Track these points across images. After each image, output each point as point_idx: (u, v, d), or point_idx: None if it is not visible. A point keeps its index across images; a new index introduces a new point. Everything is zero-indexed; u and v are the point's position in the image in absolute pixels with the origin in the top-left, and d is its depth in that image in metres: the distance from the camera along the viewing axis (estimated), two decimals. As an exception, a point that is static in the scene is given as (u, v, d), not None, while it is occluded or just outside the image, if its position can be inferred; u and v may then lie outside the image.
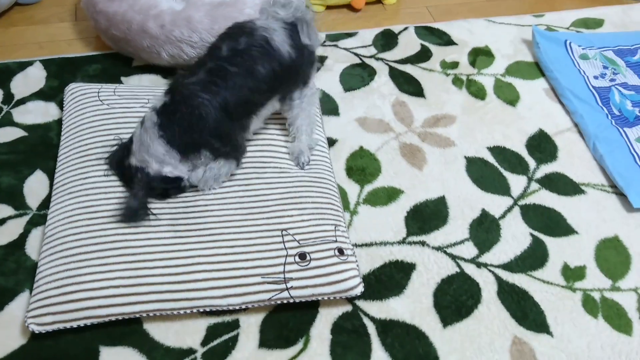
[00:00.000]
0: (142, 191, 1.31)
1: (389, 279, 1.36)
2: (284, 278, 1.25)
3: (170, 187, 1.36)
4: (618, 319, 1.32)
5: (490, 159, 1.64)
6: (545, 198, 1.55)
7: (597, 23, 2.13)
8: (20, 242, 1.38)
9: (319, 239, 1.32)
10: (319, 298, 1.27)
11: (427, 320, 1.30)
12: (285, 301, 1.25)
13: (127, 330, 1.24)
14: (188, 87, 1.28)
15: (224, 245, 1.30)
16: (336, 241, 1.32)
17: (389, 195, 1.53)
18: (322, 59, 1.89)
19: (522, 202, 1.54)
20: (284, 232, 1.33)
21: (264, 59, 1.32)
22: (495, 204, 1.53)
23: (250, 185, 1.43)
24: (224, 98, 1.27)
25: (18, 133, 1.61)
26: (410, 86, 1.83)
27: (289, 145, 1.51)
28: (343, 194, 1.51)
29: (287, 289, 1.24)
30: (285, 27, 1.36)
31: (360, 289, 1.27)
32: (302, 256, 1.29)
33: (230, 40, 1.33)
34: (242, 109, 1.33)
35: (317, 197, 1.41)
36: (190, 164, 1.34)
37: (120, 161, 1.37)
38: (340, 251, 1.31)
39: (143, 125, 1.31)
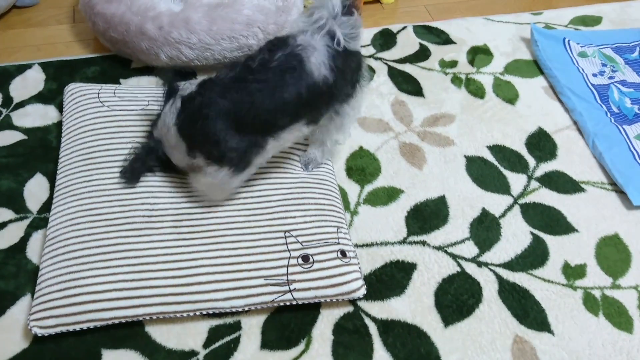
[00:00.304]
0: (149, 154, 1.33)
1: (390, 279, 1.36)
2: (287, 280, 1.25)
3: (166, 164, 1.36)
4: (619, 317, 1.33)
5: (490, 157, 1.64)
6: (545, 196, 1.55)
7: (596, 20, 2.13)
8: (21, 245, 1.38)
9: (321, 241, 1.32)
10: (322, 300, 1.27)
11: (428, 320, 1.30)
12: (288, 303, 1.26)
13: (129, 332, 1.24)
14: (210, 86, 1.26)
15: (227, 248, 1.30)
16: (339, 243, 1.32)
17: (389, 195, 1.53)
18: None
19: (522, 201, 1.54)
20: (287, 234, 1.33)
21: (292, 81, 1.22)
22: (496, 202, 1.53)
23: (253, 186, 1.43)
24: (234, 110, 1.22)
25: (17, 136, 1.61)
26: (409, 85, 1.83)
27: (305, 151, 1.48)
28: (343, 194, 1.51)
29: (290, 290, 1.24)
30: (328, 46, 1.24)
31: (363, 291, 1.28)
32: (305, 258, 1.29)
33: (265, 53, 1.25)
34: (253, 127, 1.25)
35: (320, 199, 1.41)
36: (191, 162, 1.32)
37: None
38: (343, 253, 1.31)
39: (173, 104, 1.28)
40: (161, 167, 1.40)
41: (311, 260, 1.28)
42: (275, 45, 1.26)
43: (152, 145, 1.36)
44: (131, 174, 1.38)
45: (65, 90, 1.62)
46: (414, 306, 1.32)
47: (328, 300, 1.27)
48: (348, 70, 1.29)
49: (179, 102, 1.27)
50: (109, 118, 1.52)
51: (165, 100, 1.33)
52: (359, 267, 1.31)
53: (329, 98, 1.29)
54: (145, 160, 1.37)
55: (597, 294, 1.37)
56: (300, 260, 1.28)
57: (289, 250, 1.30)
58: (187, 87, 1.30)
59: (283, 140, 1.31)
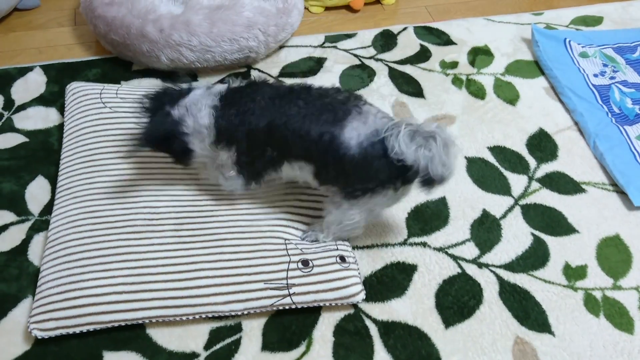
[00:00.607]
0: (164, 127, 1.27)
1: (391, 281, 1.36)
2: (287, 284, 1.26)
3: (177, 148, 1.29)
4: (620, 318, 1.33)
5: (491, 158, 1.64)
6: (546, 197, 1.55)
7: (597, 20, 2.13)
8: (22, 248, 1.38)
9: (320, 247, 1.33)
10: (321, 304, 1.27)
11: (429, 321, 1.30)
12: (287, 307, 1.26)
13: (131, 335, 1.25)
14: (260, 87, 1.24)
15: (228, 251, 1.30)
16: (337, 249, 1.33)
17: (389, 196, 1.53)
18: (322, 61, 1.90)
19: (522, 202, 1.54)
20: (287, 240, 1.33)
21: (325, 123, 1.17)
22: (496, 203, 1.53)
23: (255, 191, 1.43)
24: (270, 118, 1.19)
25: (19, 139, 1.62)
26: (410, 86, 1.83)
27: (310, 225, 1.39)
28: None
29: (289, 294, 1.25)
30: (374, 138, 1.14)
31: (362, 296, 1.28)
32: (305, 263, 1.29)
33: (331, 93, 1.22)
34: (272, 142, 1.22)
35: (320, 204, 1.41)
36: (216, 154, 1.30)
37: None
38: (342, 258, 1.31)
39: (208, 91, 1.26)
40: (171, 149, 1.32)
41: (311, 264, 1.29)
42: (342, 98, 1.21)
43: (169, 120, 1.27)
44: (145, 138, 1.27)
45: (67, 90, 1.63)
46: (415, 308, 1.32)
47: (327, 304, 1.27)
48: (372, 169, 1.16)
49: (217, 101, 1.24)
50: (111, 120, 1.53)
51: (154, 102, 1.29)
52: (358, 272, 1.31)
53: (342, 172, 1.19)
54: (161, 130, 1.28)
55: (598, 295, 1.36)
56: (300, 265, 1.28)
57: (288, 255, 1.30)
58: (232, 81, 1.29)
59: (293, 170, 1.26)
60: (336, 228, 1.31)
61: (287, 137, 1.19)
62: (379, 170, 1.15)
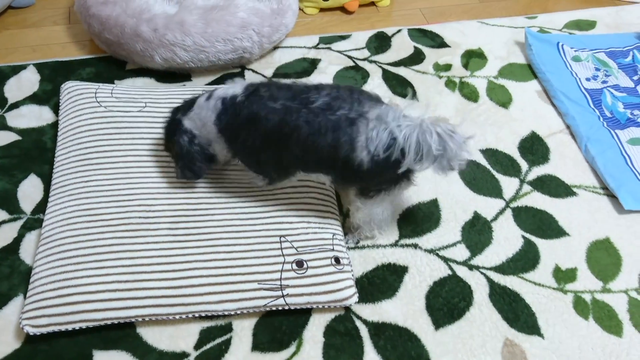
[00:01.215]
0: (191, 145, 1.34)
1: (382, 282, 1.37)
2: (281, 285, 1.26)
3: (198, 158, 1.35)
4: (609, 320, 1.33)
5: (483, 161, 1.64)
6: (537, 200, 1.56)
7: (590, 24, 2.14)
8: (14, 246, 1.38)
9: (316, 247, 1.33)
10: (314, 306, 1.27)
11: (419, 323, 1.31)
12: (280, 308, 1.26)
13: (121, 334, 1.25)
14: (262, 92, 1.25)
15: (222, 251, 1.30)
16: (333, 250, 1.33)
17: (381, 198, 1.53)
18: (316, 62, 1.90)
19: (514, 204, 1.54)
20: (282, 239, 1.34)
21: (331, 133, 1.17)
22: (488, 206, 1.54)
23: (251, 190, 1.43)
24: (272, 125, 1.21)
25: (12, 137, 1.61)
26: (404, 88, 1.84)
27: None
28: (337, 197, 1.52)
29: (282, 296, 1.25)
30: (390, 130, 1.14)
31: (354, 299, 1.28)
32: (300, 264, 1.29)
33: (334, 98, 1.20)
34: (277, 148, 1.24)
35: (317, 205, 1.42)
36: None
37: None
38: (337, 260, 1.31)
39: (209, 99, 1.30)
40: (203, 156, 1.37)
41: (305, 266, 1.29)
42: (351, 96, 1.21)
43: (189, 136, 1.34)
44: (190, 169, 1.37)
45: (62, 89, 1.62)
46: (405, 309, 1.33)
47: (320, 306, 1.28)
48: (389, 175, 1.21)
49: (219, 105, 1.28)
50: (106, 119, 1.53)
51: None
52: (352, 275, 1.31)
53: (359, 179, 1.23)
54: (191, 151, 1.35)
55: (587, 297, 1.37)
56: (294, 266, 1.29)
57: (283, 255, 1.30)
58: (227, 85, 1.31)
59: (308, 176, 1.32)
60: (371, 221, 1.36)
61: (293, 148, 1.21)
62: (391, 175, 1.20)
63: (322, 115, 1.18)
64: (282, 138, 1.21)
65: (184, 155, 1.35)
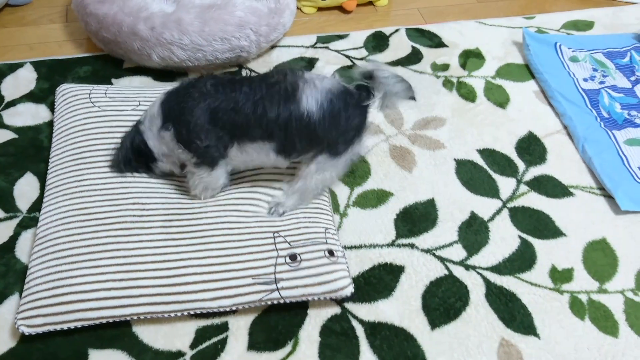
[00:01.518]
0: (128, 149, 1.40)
1: (378, 281, 1.37)
2: (275, 279, 1.26)
3: (142, 159, 1.40)
4: (605, 321, 1.33)
5: (480, 161, 1.64)
6: (534, 200, 1.56)
7: (588, 25, 2.14)
8: (10, 245, 1.38)
9: (309, 240, 1.33)
10: (309, 298, 1.27)
11: (415, 323, 1.31)
12: (275, 301, 1.26)
13: (116, 333, 1.25)
14: (204, 79, 1.31)
15: (216, 247, 1.30)
16: (326, 242, 1.33)
17: (378, 197, 1.53)
18: (313, 61, 1.90)
19: (511, 205, 1.55)
20: (276, 234, 1.34)
21: (279, 102, 1.25)
22: (485, 206, 1.54)
23: (243, 187, 1.43)
24: (215, 104, 1.26)
25: (8, 135, 1.61)
26: (401, 88, 1.83)
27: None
28: (333, 196, 1.52)
29: (277, 289, 1.25)
30: (337, 91, 1.27)
31: (350, 290, 1.28)
32: (293, 257, 1.29)
33: (272, 76, 1.30)
34: (225, 126, 1.27)
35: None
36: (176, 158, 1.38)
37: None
38: (331, 252, 1.31)
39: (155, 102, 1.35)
40: (140, 160, 1.41)
41: (299, 259, 1.29)
42: (281, 72, 1.31)
43: (134, 136, 1.39)
44: (122, 164, 1.42)
45: (57, 91, 1.62)
46: (402, 309, 1.33)
47: (315, 298, 1.27)
48: (343, 121, 1.28)
49: (159, 100, 1.33)
50: (100, 118, 1.53)
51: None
52: (347, 266, 1.31)
53: (313, 135, 1.28)
54: (130, 150, 1.40)
55: (583, 298, 1.37)
56: (288, 259, 1.29)
57: (277, 250, 1.30)
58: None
59: (247, 155, 1.32)
60: (312, 193, 1.41)
61: (236, 121, 1.26)
62: (350, 118, 1.28)
63: (259, 86, 1.27)
64: (220, 113, 1.26)
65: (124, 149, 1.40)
